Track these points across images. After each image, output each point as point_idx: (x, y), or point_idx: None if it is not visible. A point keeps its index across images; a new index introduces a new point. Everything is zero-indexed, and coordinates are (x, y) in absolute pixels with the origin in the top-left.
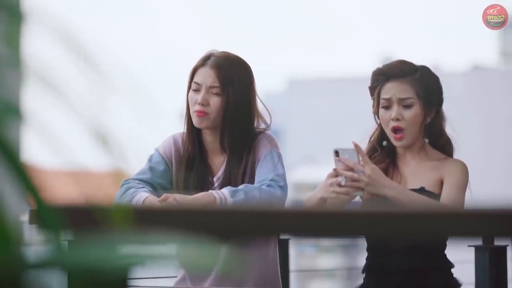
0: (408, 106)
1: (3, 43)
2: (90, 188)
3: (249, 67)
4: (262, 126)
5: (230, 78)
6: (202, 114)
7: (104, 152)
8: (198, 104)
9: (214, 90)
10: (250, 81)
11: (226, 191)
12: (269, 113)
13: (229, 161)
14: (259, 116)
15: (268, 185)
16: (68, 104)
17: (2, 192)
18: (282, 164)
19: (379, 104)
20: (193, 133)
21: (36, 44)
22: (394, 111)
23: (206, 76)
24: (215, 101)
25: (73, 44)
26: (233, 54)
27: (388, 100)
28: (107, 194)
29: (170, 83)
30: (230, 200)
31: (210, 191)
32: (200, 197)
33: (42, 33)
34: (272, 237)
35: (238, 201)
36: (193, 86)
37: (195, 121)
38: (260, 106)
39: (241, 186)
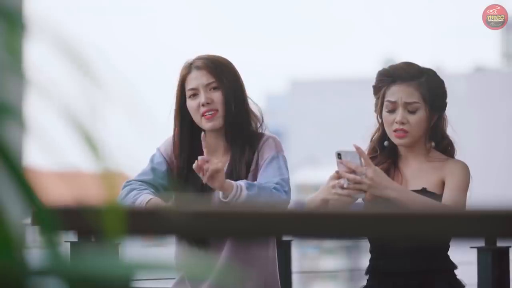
0: (413, 111)
1: (4, 51)
2: (84, 190)
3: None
4: (264, 128)
5: (220, 70)
6: (210, 111)
7: (92, 156)
8: (203, 105)
9: (213, 85)
10: (234, 69)
11: (243, 183)
12: (260, 113)
13: (233, 161)
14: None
15: (274, 188)
16: (64, 109)
17: (4, 196)
18: (287, 168)
19: (383, 105)
20: (191, 138)
21: (35, 52)
22: (399, 114)
23: (199, 77)
24: (217, 96)
25: (71, 52)
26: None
27: (394, 104)
28: (101, 196)
29: (169, 84)
30: (245, 192)
31: (229, 180)
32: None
33: (41, 40)
34: (272, 238)
35: (252, 194)
36: (189, 93)
37: (206, 124)
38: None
39: (255, 182)
